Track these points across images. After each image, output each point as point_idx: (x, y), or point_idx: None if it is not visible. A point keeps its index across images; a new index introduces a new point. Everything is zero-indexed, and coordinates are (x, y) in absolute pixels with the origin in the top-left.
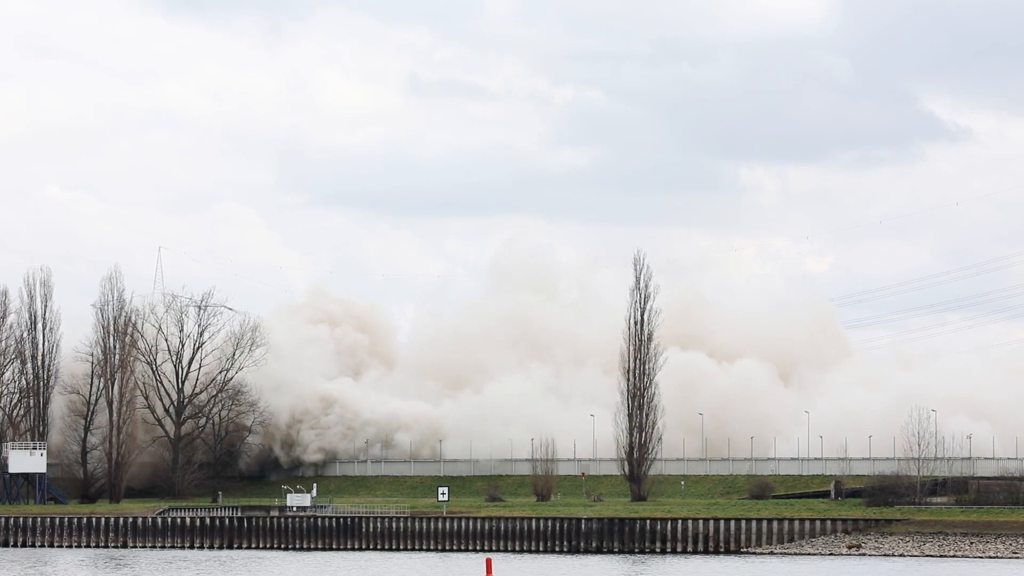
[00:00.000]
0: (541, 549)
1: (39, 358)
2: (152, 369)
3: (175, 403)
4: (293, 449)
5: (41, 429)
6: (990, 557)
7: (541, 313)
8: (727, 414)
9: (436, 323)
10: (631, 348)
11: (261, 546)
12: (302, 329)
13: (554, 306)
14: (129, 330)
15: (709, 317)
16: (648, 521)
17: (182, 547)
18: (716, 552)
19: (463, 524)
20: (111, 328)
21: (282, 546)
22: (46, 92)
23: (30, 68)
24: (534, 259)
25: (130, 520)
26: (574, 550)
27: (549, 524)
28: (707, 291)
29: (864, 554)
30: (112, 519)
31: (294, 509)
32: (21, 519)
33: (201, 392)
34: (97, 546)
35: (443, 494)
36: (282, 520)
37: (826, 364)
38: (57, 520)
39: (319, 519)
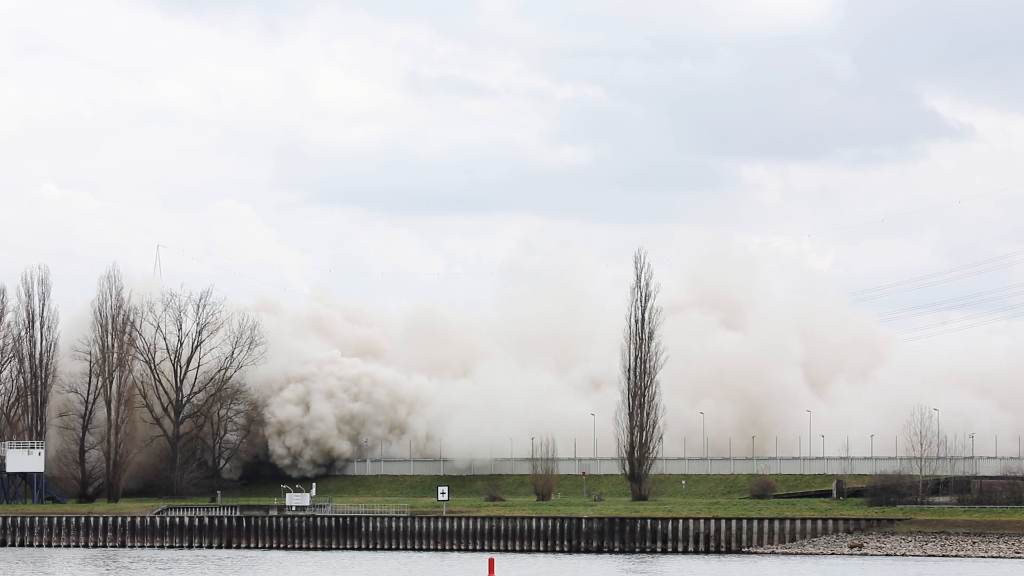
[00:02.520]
0: (541, 549)
1: (37, 357)
2: (150, 368)
3: (173, 402)
4: (290, 435)
5: (39, 428)
6: (992, 557)
7: (542, 311)
8: (739, 383)
9: (437, 320)
10: (632, 347)
11: (260, 546)
12: (300, 316)
13: (555, 304)
14: (127, 328)
15: (732, 285)
16: (649, 521)
17: (181, 547)
18: (717, 552)
19: (463, 524)
20: (109, 326)
21: (281, 546)
22: (42, 89)
23: (25, 65)
24: (541, 257)
25: (128, 520)
26: (575, 550)
27: (549, 524)
28: (731, 253)
29: (866, 554)
30: (110, 519)
31: (293, 509)
32: (19, 518)
33: (200, 391)
34: (95, 546)
35: (443, 493)
36: (281, 520)
37: (858, 365)
38: (55, 519)
39: (318, 519)
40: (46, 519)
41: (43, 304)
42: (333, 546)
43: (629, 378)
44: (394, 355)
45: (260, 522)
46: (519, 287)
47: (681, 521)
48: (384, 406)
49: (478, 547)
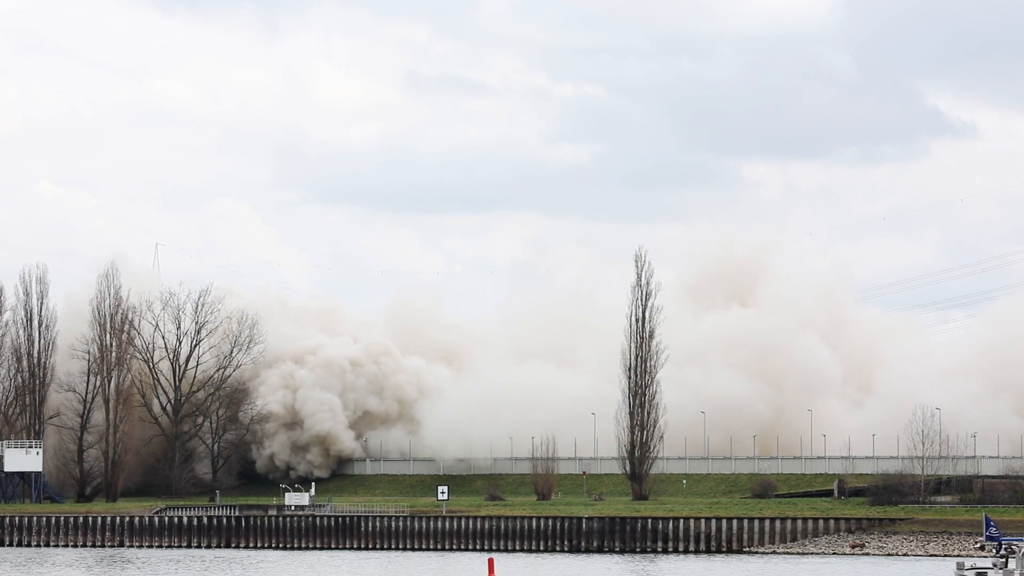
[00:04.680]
0: (542, 548)
1: (35, 355)
2: (149, 367)
3: (172, 401)
4: (278, 436)
5: (37, 427)
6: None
7: (542, 310)
8: (759, 357)
9: (438, 319)
10: (632, 346)
11: (259, 545)
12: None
13: (556, 303)
14: (126, 327)
15: (740, 271)
16: (650, 520)
17: (179, 546)
18: (718, 551)
19: (463, 523)
20: (107, 325)
21: (280, 545)
22: (40, 88)
23: (23, 64)
24: (541, 257)
25: (127, 519)
26: (575, 549)
27: (550, 523)
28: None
29: (868, 553)
30: (109, 518)
31: (292, 508)
32: (17, 518)
33: (198, 390)
34: (94, 545)
35: (443, 493)
36: (280, 519)
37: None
38: (53, 519)
39: (317, 518)
40: (44, 519)
41: (41, 303)
42: (332, 546)
43: (630, 377)
44: (395, 352)
45: (259, 522)
46: (522, 286)
47: (682, 521)
48: (395, 395)
49: (478, 547)
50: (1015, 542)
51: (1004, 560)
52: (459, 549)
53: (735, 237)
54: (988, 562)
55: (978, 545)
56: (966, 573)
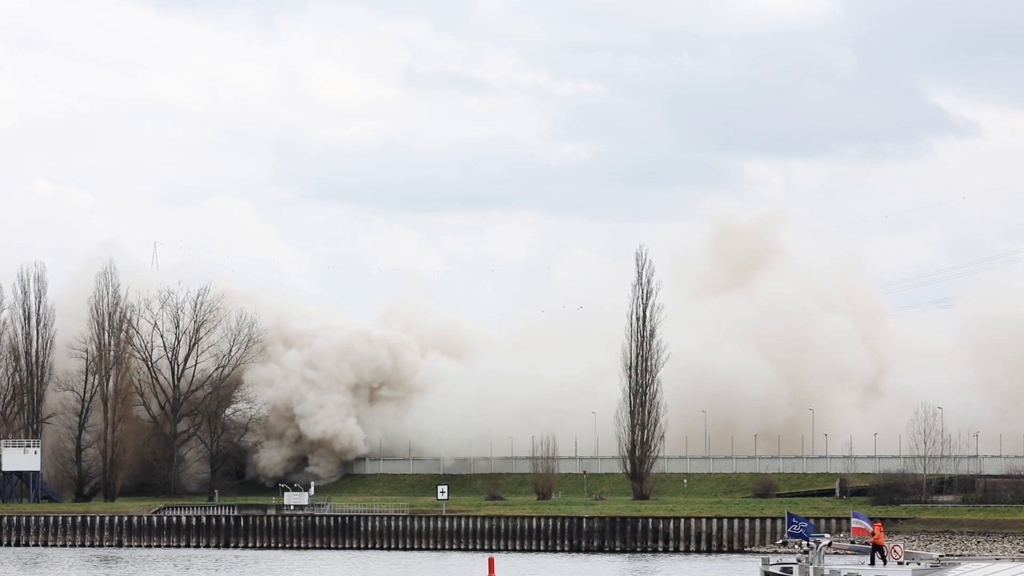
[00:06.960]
0: (542, 548)
1: (33, 354)
2: (148, 366)
3: (171, 400)
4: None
5: (35, 427)
6: (997, 557)
7: (542, 308)
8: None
9: (437, 316)
10: (633, 345)
11: (258, 545)
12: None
13: (556, 301)
14: (124, 326)
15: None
16: (650, 520)
17: (178, 546)
18: (719, 551)
19: (463, 523)
20: (106, 324)
21: (279, 545)
22: (36, 85)
23: (20, 61)
24: (541, 255)
25: (126, 519)
26: (575, 549)
27: (550, 523)
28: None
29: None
30: (107, 518)
31: (291, 508)
32: (15, 518)
33: (197, 390)
34: (92, 545)
35: (442, 492)
36: (279, 519)
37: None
38: (52, 519)
39: (317, 518)
40: (42, 518)
41: (39, 301)
42: (332, 545)
43: (630, 376)
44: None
45: (258, 521)
46: (523, 284)
47: (683, 520)
48: (407, 387)
49: (478, 547)
50: (816, 538)
51: (808, 556)
52: (459, 549)
53: (736, 217)
54: (793, 558)
55: (780, 542)
56: (771, 569)
